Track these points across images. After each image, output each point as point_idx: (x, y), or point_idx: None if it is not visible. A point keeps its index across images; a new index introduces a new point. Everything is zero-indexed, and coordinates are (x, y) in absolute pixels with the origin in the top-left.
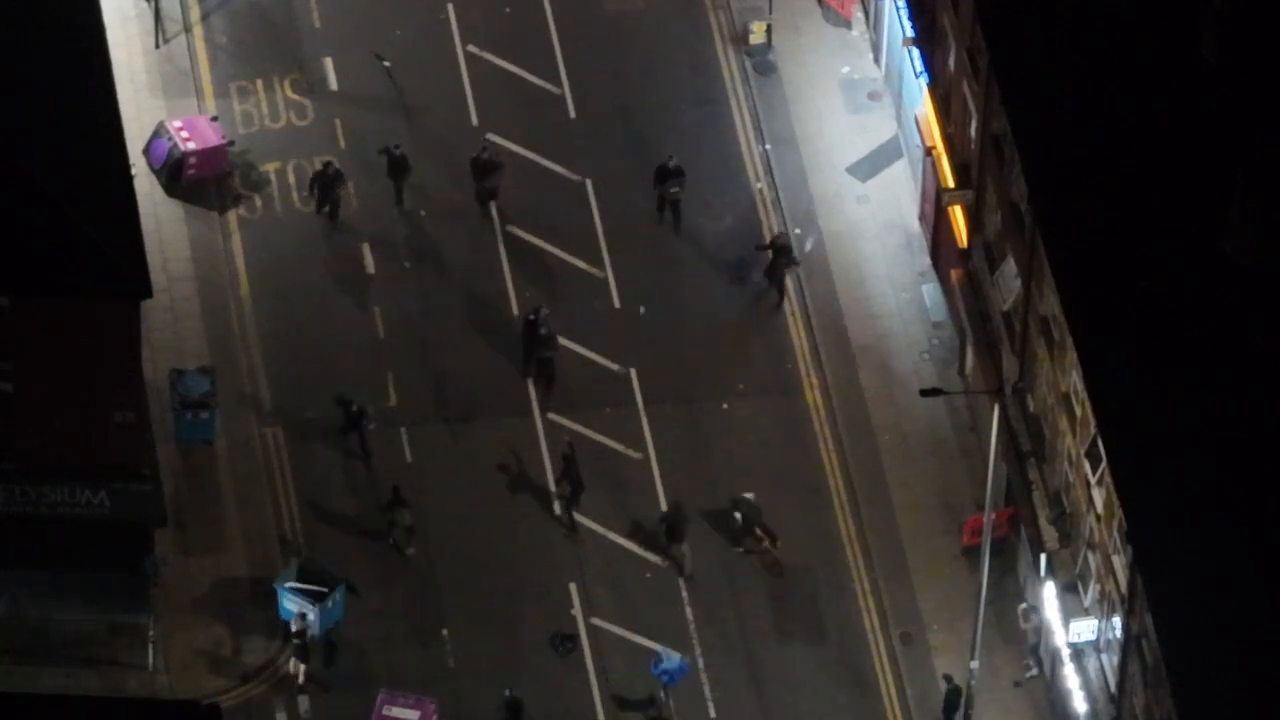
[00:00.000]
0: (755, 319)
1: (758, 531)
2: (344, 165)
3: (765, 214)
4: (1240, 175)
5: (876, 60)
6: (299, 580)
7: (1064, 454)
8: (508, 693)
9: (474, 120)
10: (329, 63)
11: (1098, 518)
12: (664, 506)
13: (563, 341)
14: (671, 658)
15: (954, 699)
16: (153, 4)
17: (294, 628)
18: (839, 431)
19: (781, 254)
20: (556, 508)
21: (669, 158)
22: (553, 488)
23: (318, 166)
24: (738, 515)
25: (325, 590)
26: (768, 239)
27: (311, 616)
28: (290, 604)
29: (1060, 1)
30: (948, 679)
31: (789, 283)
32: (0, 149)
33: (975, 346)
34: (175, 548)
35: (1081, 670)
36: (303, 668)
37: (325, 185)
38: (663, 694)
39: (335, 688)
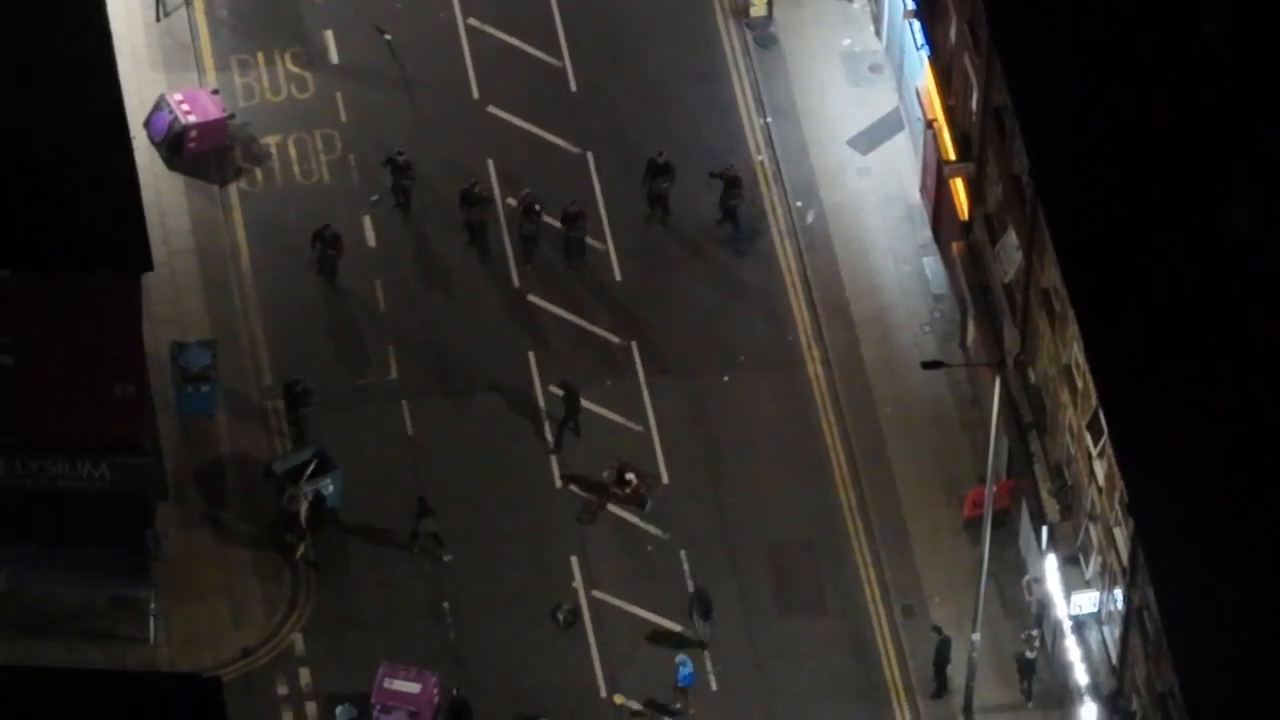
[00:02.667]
0: (756, 291)
1: (639, 483)
2: (344, 138)
3: (766, 186)
4: (1241, 150)
5: (878, 33)
6: (296, 466)
7: (1065, 426)
8: (455, 691)
9: (475, 93)
10: (330, 36)
11: (1099, 490)
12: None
13: (564, 315)
14: (686, 662)
15: (944, 651)
16: None
17: (289, 507)
18: (840, 404)
19: (732, 185)
20: (547, 428)
21: (659, 153)
22: (543, 404)
23: (315, 227)
24: (630, 477)
25: (322, 465)
26: (731, 178)
27: (332, 488)
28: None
29: None
30: (937, 630)
31: (787, 245)
32: (1, 123)
33: (976, 319)
34: (176, 521)
35: (1083, 642)
36: (302, 545)
37: (324, 244)
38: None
39: (327, 562)
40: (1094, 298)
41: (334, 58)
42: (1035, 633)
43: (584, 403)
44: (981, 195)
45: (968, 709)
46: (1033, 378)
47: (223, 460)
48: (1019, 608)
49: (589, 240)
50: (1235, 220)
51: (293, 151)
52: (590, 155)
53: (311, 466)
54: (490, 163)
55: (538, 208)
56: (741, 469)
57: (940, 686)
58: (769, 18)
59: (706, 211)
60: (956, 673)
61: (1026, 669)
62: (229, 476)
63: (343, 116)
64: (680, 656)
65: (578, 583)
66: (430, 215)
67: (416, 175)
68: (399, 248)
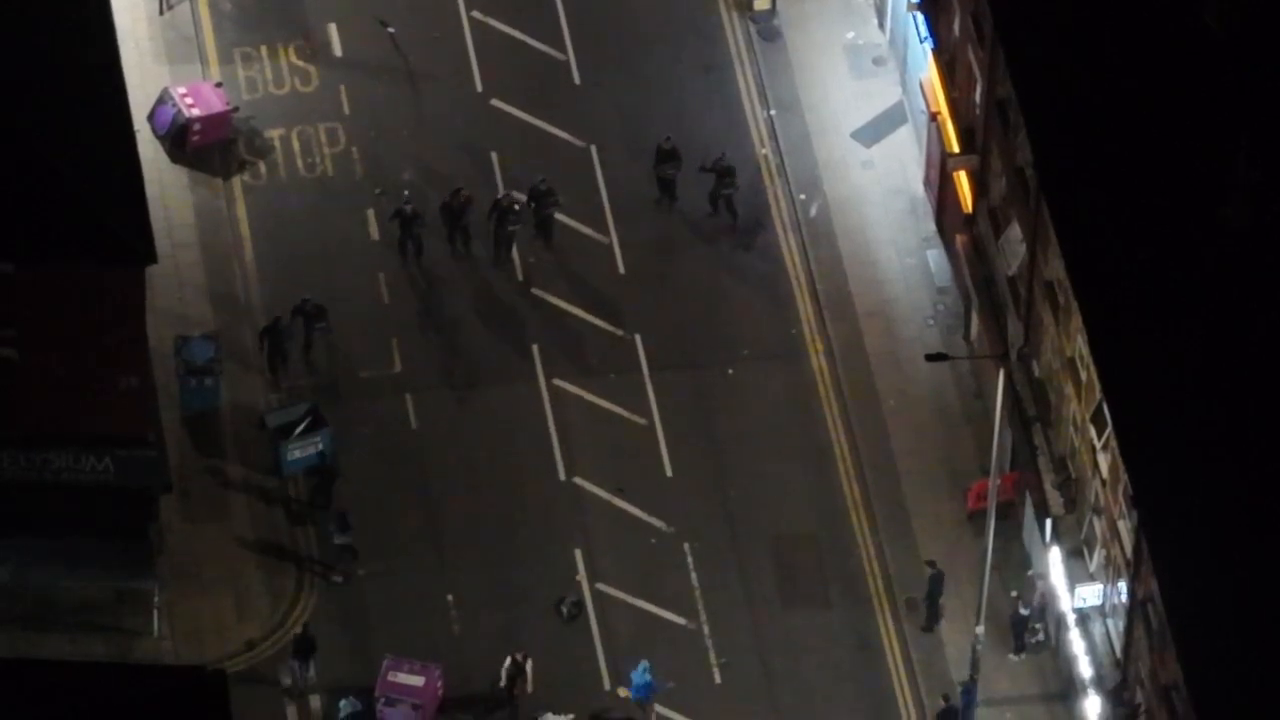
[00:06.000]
0: (759, 284)
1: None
2: (348, 131)
3: (770, 180)
4: (1243, 142)
5: (881, 26)
6: (287, 423)
7: (1069, 419)
8: None
9: (478, 86)
10: (333, 29)
11: (1103, 482)
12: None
13: (567, 307)
14: (643, 674)
15: (936, 585)
16: None
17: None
18: (844, 397)
19: (724, 175)
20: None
21: (665, 139)
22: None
23: (296, 302)
24: (529, 668)
25: (314, 423)
26: (709, 163)
27: (324, 445)
28: (298, 450)
29: None
30: (931, 564)
31: (790, 238)
32: (4, 116)
33: (980, 312)
34: (179, 514)
35: (1087, 635)
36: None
37: (307, 319)
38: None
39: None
40: (1098, 290)
41: (337, 51)
42: (1039, 625)
43: (588, 395)
44: (985, 188)
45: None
46: (1037, 370)
47: (226, 453)
48: (1025, 600)
49: (592, 233)
50: (1237, 213)
51: (296, 145)
52: (594, 148)
53: (304, 424)
54: (494, 156)
55: (517, 208)
56: (745, 462)
57: (931, 618)
58: (773, 11)
59: (709, 203)
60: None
61: (1017, 625)
62: (232, 469)
63: (346, 109)
64: (641, 666)
65: (581, 575)
66: (434, 208)
67: (422, 191)
68: (395, 240)
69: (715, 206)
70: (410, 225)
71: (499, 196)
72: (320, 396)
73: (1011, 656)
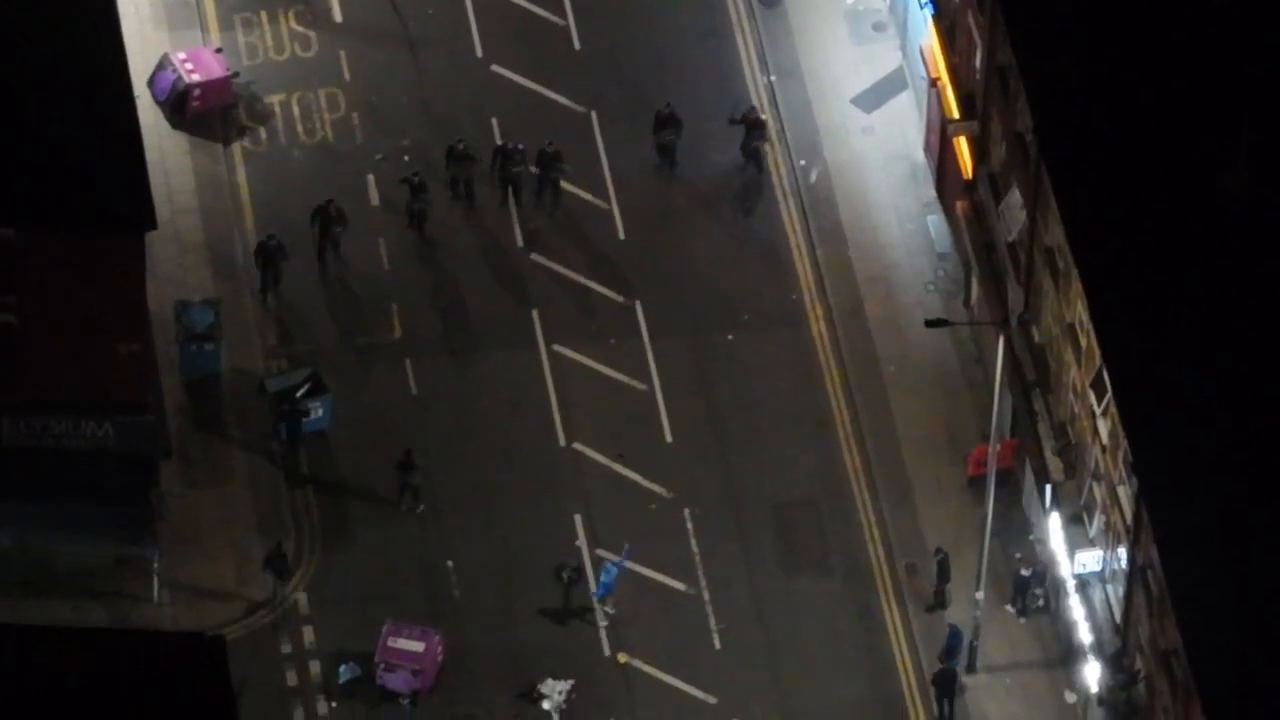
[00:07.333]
0: (760, 250)
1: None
2: (348, 96)
3: (771, 145)
4: (1245, 109)
5: None
6: (287, 388)
7: (1069, 385)
8: None
9: (479, 52)
10: None
11: (1103, 449)
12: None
13: (567, 273)
14: (610, 570)
15: (944, 570)
16: None
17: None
18: (844, 363)
19: (754, 128)
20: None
21: (665, 104)
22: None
23: (261, 238)
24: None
25: (315, 388)
26: (739, 114)
27: (321, 412)
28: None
29: None
30: (938, 551)
31: (791, 204)
32: (4, 82)
33: (980, 278)
34: (179, 480)
35: (1086, 601)
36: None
37: (267, 257)
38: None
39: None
40: (1098, 256)
41: (337, 16)
42: (1039, 591)
43: (588, 361)
44: (985, 154)
45: (971, 667)
46: (1036, 336)
47: (226, 419)
48: (1025, 565)
49: (592, 198)
50: (1238, 180)
51: (296, 110)
52: (594, 114)
53: (304, 389)
54: (494, 121)
55: (522, 146)
56: (745, 428)
57: (938, 602)
58: None
59: (710, 169)
60: (956, 589)
61: (1020, 586)
62: (232, 435)
63: (346, 75)
64: (606, 565)
65: (581, 541)
66: (434, 174)
67: (422, 155)
68: (402, 206)
69: (749, 159)
70: (416, 194)
71: (501, 141)
72: (320, 362)
73: (1008, 608)
